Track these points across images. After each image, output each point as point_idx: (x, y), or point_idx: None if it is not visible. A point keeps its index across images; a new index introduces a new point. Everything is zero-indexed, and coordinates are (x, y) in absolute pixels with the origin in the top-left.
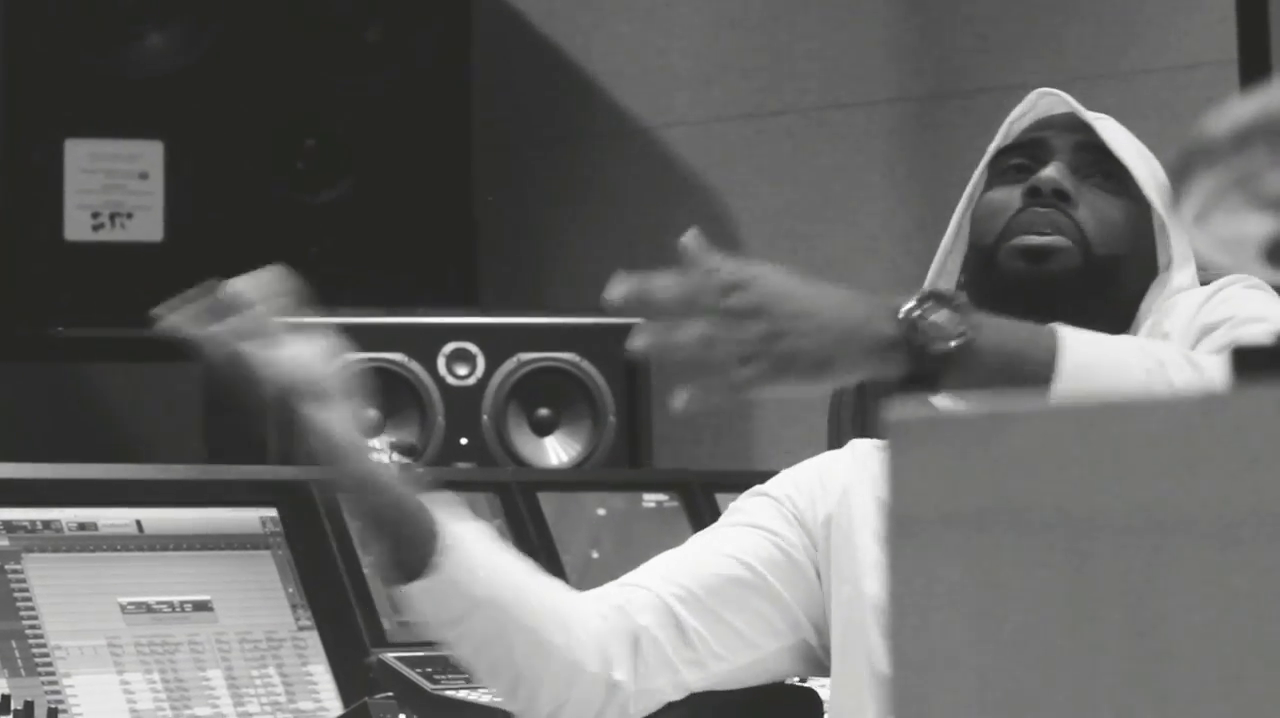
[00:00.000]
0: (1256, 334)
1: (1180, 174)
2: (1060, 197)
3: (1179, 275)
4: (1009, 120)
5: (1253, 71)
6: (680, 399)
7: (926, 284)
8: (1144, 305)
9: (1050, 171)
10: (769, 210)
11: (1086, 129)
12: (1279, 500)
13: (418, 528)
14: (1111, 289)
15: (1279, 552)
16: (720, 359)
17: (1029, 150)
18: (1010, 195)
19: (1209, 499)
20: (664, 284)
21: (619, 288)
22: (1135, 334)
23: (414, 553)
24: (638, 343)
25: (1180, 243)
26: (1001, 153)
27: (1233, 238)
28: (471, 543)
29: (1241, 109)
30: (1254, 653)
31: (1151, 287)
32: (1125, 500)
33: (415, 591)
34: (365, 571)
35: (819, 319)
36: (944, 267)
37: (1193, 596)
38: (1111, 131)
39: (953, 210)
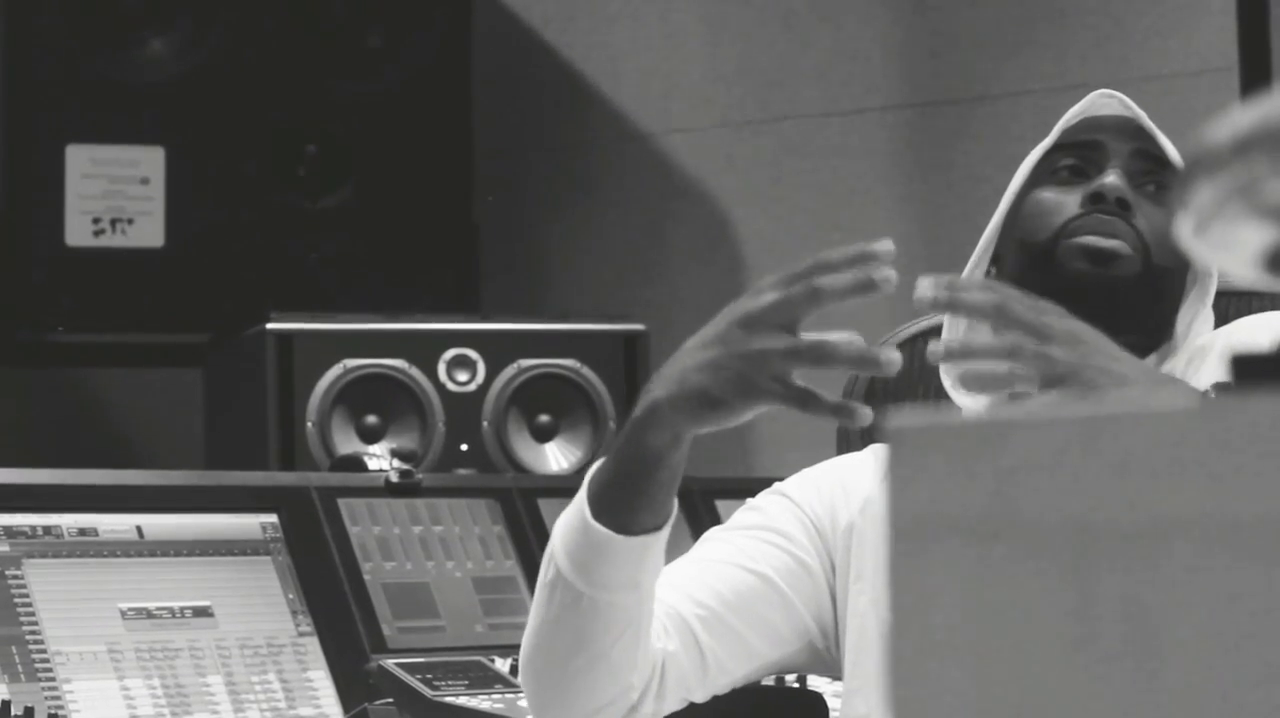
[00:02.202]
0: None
1: (1181, 183)
2: (1122, 206)
3: (1210, 292)
4: (1062, 119)
5: (1253, 79)
6: (972, 384)
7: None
8: (1181, 315)
9: (1113, 179)
10: (769, 217)
11: (1142, 136)
12: None
13: (666, 495)
14: (1162, 300)
15: None
16: (1015, 369)
17: (1084, 152)
18: (1066, 197)
19: (1210, 506)
20: (975, 291)
21: (927, 289)
22: (1174, 343)
23: (648, 514)
24: (937, 350)
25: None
26: (1053, 151)
27: (1234, 246)
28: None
29: (1242, 117)
30: (1257, 661)
31: (1188, 296)
32: (1126, 508)
33: (635, 544)
34: (365, 577)
35: (1125, 365)
36: (979, 262)
37: (1194, 603)
38: (1168, 144)
39: (954, 217)
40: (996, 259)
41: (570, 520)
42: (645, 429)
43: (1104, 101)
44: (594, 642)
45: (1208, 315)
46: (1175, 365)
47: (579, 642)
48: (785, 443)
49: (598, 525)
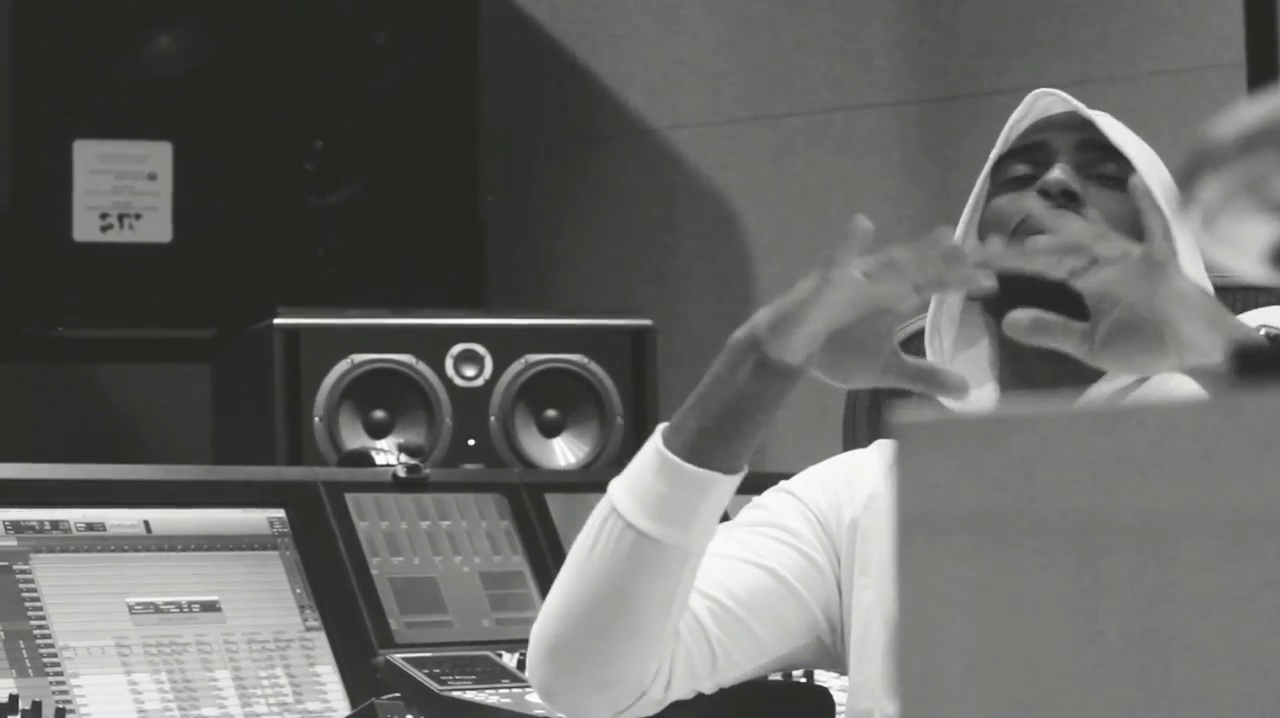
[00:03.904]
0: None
1: (1188, 178)
2: (1069, 197)
3: (1186, 269)
4: (1008, 125)
5: (1260, 74)
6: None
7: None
8: None
9: (1057, 173)
10: (776, 212)
11: (1086, 127)
12: None
13: (736, 432)
14: None
15: None
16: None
17: (1031, 155)
18: (1018, 201)
19: (1216, 501)
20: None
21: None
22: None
23: (718, 449)
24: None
25: (1184, 236)
26: (1003, 159)
27: (1240, 241)
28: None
29: (1249, 112)
30: (1263, 656)
31: None
32: (1133, 503)
33: (698, 476)
34: (372, 572)
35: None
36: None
37: (1201, 598)
38: (1112, 127)
39: (961, 212)
40: None
41: (638, 458)
42: (732, 349)
43: (1044, 101)
44: (630, 591)
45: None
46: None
47: (615, 588)
48: (792, 439)
49: (666, 450)
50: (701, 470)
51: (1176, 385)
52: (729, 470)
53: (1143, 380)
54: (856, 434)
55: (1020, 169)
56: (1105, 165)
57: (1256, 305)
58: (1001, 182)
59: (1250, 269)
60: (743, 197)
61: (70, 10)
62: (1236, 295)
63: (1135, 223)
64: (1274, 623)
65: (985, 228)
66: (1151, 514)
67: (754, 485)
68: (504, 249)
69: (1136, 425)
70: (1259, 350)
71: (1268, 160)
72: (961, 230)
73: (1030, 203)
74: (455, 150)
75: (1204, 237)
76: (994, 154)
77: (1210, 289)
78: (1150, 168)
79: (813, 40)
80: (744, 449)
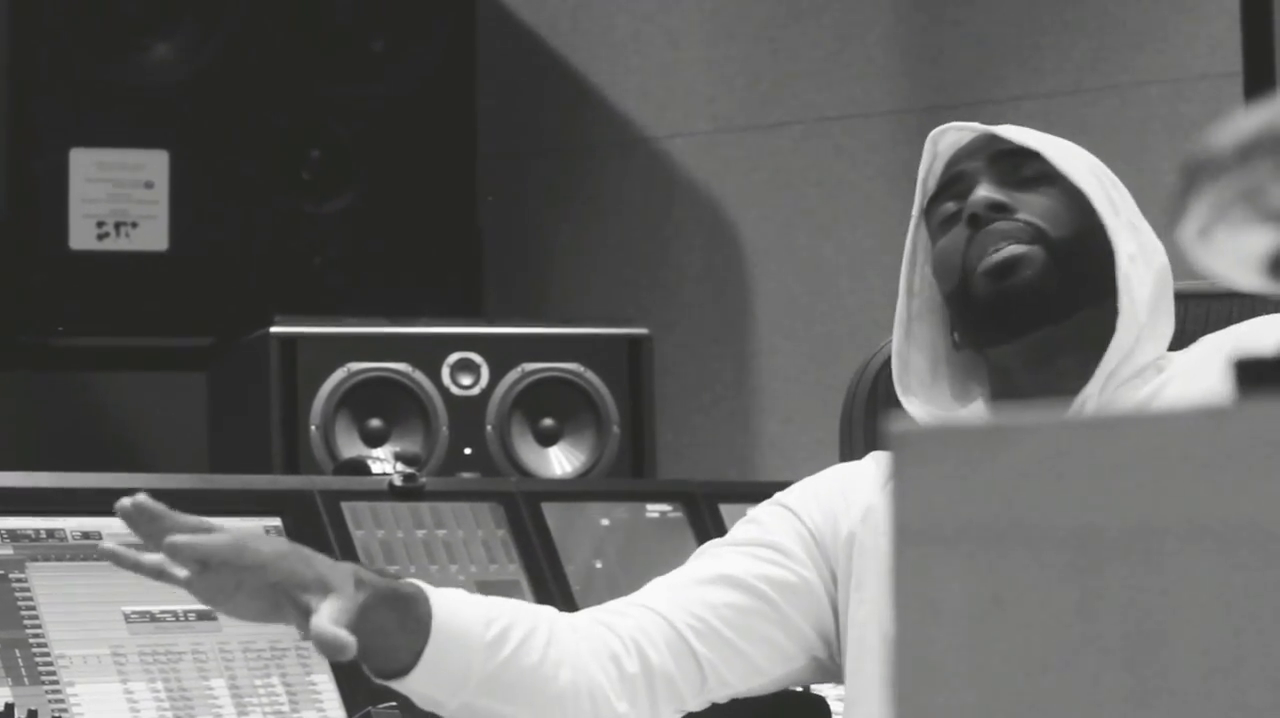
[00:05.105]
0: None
1: (1184, 187)
2: (998, 209)
3: (1124, 244)
4: (921, 173)
5: (1257, 84)
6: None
7: (895, 353)
8: (1119, 272)
9: (979, 193)
10: (771, 221)
11: (994, 141)
12: None
13: (406, 614)
14: (1087, 268)
15: None
16: None
17: (953, 189)
18: (956, 236)
19: (1214, 512)
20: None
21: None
22: (1122, 299)
23: (409, 639)
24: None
25: (1109, 214)
26: (930, 204)
27: (1237, 251)
28: (454, 614)
29: (1246, 122)
30: (1260, 667)
31: (1119, 251)
32: (1130, 514)
33: (417, 677)
34: None
35: None
36: (909, 332)
37: (1198, 609)
38: (1017, 132)
39: None
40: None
41: None
42: None
43: (948, 138)
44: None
45: (1149, 259)
46: (1172, 375)
47: None
48: (789, 447)
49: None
50: (397, 683)
51: (1177, 392)
52: (407, 668)
53: (1121, 383)
54: (853, 444)
55: (949, 207)
56: (1024, 169)
57: (1255, 312)
58: (936, 225)
59: (1247, 279)
60: (739, 205)
61: (67, 18)
62: (1235, 303)
63: (1069, 217)
64: (1269, 633)
65: (936, 271)
66: (1148, 524)
67: (749, 494)
68: (501, 258)
69: (1133, 435)
70: (1255, 361)
71: (1264, 170)
72: (905, 279)
73: (963, 235)
74: (453, 159)
75: (1200, 246)
76: (917, 204)
77: (1165, 261)
78: (1069, 155)
79: (809, 49)
80: (390, 651)
